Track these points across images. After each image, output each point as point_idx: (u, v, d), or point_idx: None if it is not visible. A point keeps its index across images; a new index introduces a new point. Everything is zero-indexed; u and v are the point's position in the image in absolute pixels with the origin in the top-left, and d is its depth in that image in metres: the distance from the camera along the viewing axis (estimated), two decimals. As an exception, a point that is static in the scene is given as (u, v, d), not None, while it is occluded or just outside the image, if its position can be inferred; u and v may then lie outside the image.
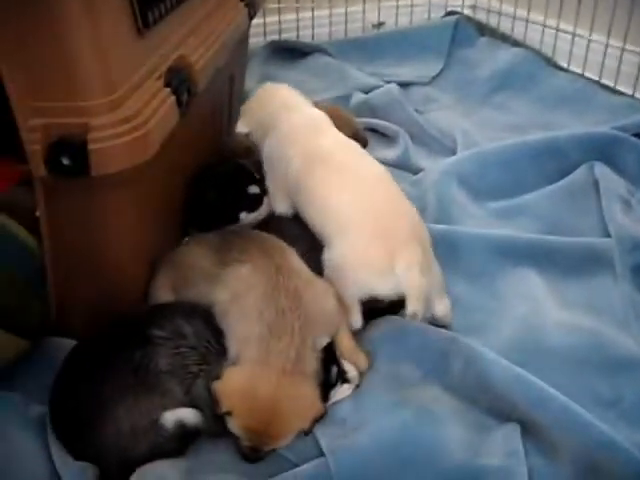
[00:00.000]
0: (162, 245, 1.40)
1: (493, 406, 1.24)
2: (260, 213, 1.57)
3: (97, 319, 1.25)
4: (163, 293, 1.35)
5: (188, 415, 1.16)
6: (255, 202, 1.56)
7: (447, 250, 1.58)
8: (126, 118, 1.10)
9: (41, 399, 1.21)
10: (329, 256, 1.37)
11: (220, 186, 1.57)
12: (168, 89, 1.22)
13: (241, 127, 1.66)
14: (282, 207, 1.57)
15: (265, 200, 1.57)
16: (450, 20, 2.73)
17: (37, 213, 1.15)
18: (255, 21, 2.54)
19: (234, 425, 1.13)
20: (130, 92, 1.14)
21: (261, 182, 1.58)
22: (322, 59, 2.66)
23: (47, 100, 1.06)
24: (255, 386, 1.10)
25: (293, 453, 1.19)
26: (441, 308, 1.41)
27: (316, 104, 1.70)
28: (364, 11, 2.90)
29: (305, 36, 2.82)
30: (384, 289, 1.32)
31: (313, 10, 2.83)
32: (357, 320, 1.38)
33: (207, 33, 1.49)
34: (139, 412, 1.13)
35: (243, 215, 1.55)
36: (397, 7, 2.89)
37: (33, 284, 1.18)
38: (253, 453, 1.15)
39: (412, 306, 1.28)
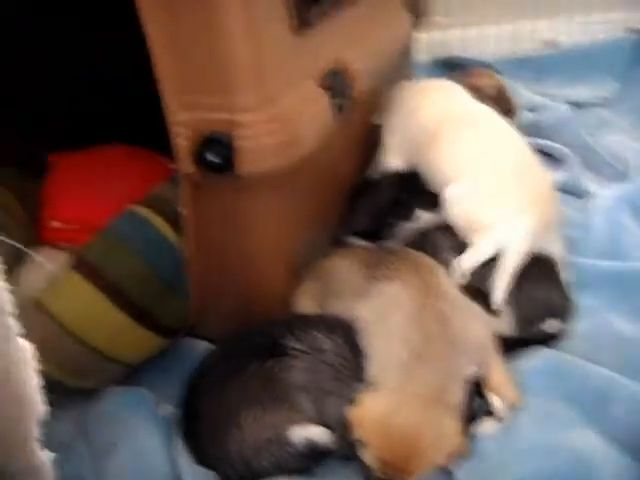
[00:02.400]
0: (310, 255, 1.35)
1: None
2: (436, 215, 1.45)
3: (235, 323, 1.23)
4: (307, 304, 1.29)
5: (318, 433, 1.10)
6: (433, 199, 1.44)
7: (614, 286, 1.44)
8: (276, 116, 1.06)
9: (172, 398, 1.20)
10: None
11: (396, 180, 1.50)
12: (324, 91, 1.17)
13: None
14: (395, 163, 1.53)
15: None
16: (629, 38, 2.52)
17: (181, 210, 1.13)
18: (420, 36, 2.52)
19: (367, 456, 1.04)
20: (283, 91, 1.10)
21: None
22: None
23: (197, 94, 1.05)
24: (394, 417, 1.02)
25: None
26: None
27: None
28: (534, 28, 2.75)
29: (471, 54, 2.70)
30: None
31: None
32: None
33: (370, 39, 1.44)
34: (266, 424, 1.08)
35: (419, 213, 1.45)
36: (570, 24, 2.71)
37: (174, 282, 1.17)
38: (385, 484, 1.06)
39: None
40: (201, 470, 1.11)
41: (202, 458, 1.12)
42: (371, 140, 1.59)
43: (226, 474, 1.10)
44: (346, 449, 1.09)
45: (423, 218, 1.44)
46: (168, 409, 1.21)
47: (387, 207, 1.47)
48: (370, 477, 1.07)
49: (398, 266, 1.20)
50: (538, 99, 2.32)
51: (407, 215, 1.45)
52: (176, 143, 1.06)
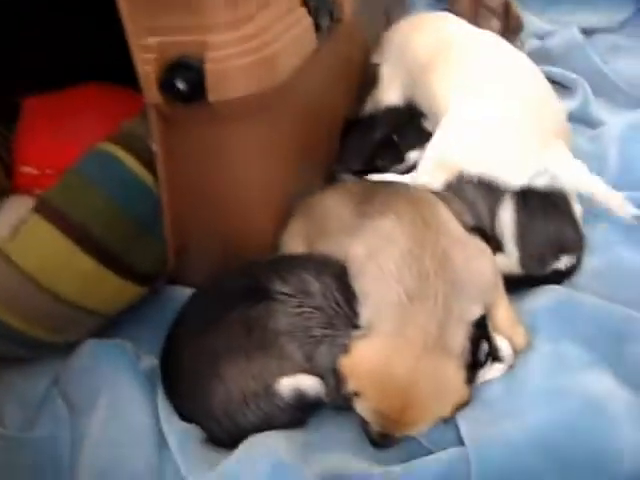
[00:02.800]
0: (297, 192, 1.25)
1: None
2: None
3: (219, 268, 1.14)
4: (295, 244, 1.19)
5: (308, 383, 1.02)
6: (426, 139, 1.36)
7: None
8: (250, 36, 0.95)
9: (153, 350, 1.13)
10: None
11: (392, 118, 1.43)
12: (304, 9, 1.06)
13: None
14: (394, 97, 1.46)
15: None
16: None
17: (153, 147, 1.02)
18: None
19: (363, 408, 0.96)
20: (259, 8, 0.98)
21: None
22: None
23: (162, 17, 0.93)
24: (389, 365, 0.92)
25: (427, 438, 1.02)
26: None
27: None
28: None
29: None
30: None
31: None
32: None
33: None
34: (251, 375, 1.00)
35: (413, 154, 1.38)
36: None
37: (148, 224, 1.07)
38: (383, 439, 0.98)
39: None
40: (184, 425, 1.04)
41: (185, 412, 1.05)
42: (363, 77, 1.47)
43: (211, 429, 1.03)
44: (340, 400, 1.01)
45: (415, 159, 1.36)
46: (150, 361, 1.13)
47: (378, 149, 1.38)
48: (367, 431, 0.99)
49: (393, 200, 1.10)
50: (547, 26, 2.18)
51: (398, 158, 1.37)
52: (141, 71, 0.95)
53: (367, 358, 0.93)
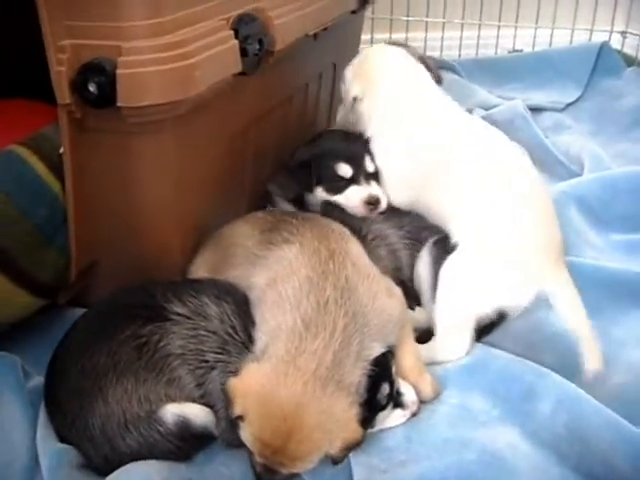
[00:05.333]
0: (214, 220, 1.22)
1: (584, 464, 0.98)
2: (342, 200, 1.34)
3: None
4: (203, 272, 1.16)
5: (195, 412, 0.97)
6: (338, 184, 1.34)
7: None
8: (167, 45, 0.94)
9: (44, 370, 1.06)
10: (461, 258, 1.20)
11: (312, 147, 1.39)
12: (231, 32, 1.05)
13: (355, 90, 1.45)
14: (401, 198, 1.36)
15: (354, 191, 1.34)
16: (594, 46, 2.44)
17: (61, 150, 0.99)
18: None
19: (246, 434, 0.90)
20: (182, 23, 0.99)
21: (358, 168, 1.35)
22: (449, 76, 2.43)
23: (81, 19, 0.94)
24: (275, 389, 0.88)
25: (317, 481, 0.96)
26: None
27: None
28: (498, 36, 2.66)
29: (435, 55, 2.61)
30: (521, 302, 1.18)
31: (443, 29, 2.63)
32: (464, 344, 1.18)
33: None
34: (137, 397, 0.94)
35: (319, 191, 1.35)
36: (535, 35, 2.62)
37: (48, 232, 1.03)
38: (267, 474, 0.92)
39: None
40: (60, 447, 0.97)
41: (64, 433, 0.98)
42: (301, 110, 1.47)
43: (88, 452, 0.96)
44: (231, 434, 0.95)
45: (321, 198, 1.35)
46: (39, 380, 1.08)
47: (293, 171, 1.36)
48: (253, 464, 0.93)
49: (300, 230, 1.08)
50: (496, 100, 2.23)
51: (306, 186, 1.36)
52: (54, 71, 0.94)
53: (254, 381, 0.89)
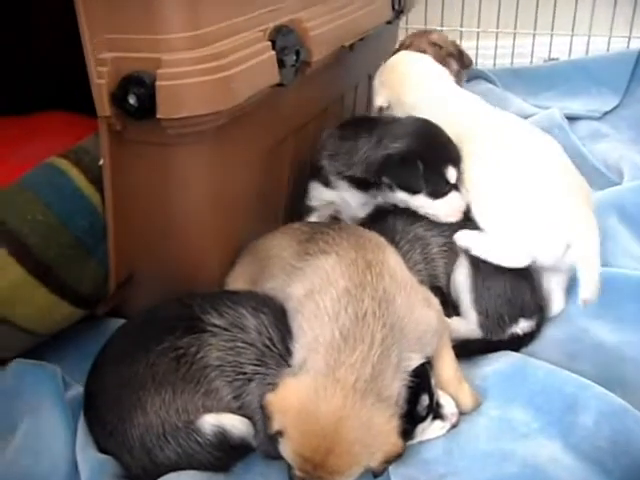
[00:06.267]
0: (250, 233, 1.22)
1: (628, 478, 0.95)
2: (439, 206, 1.25)
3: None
4: (240, 285, 1.16)
5: (233, 423, 0.96)
6: (443, 189, 1.25)
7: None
8: (206, 57, 0.95)
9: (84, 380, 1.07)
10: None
11: (413, 140, 1.26)
12: (269, 43, 1.06)
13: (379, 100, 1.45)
14: None
15: (456, 198, 1.26)
16: (632, 53, 2.40)
17: (100, 162, 1.00)
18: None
19: (286, 449, 0.89)
20: (220, 35, 1.00)
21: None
22: (484, 85, 2.42)
23: (121, 32, 0.95)
24: (315, 404, 0.87)
25: (358, 494, 0.95)
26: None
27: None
28: (533, 45, 2.64)
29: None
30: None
31: (478, 38, 2.62)
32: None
33: (336, 6, 1.33)
34: (175, 408, 0.94)
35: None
36: (571, 43, 2.60)
37: (90, 243, 1.04)
38: (307, 487, 0.91)
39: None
40: (100, 457, 0.98)
41: (103, 443, 0.98)
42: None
43: (127, 463, 0.96)
44: (269, 446, 0.95)
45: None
46: (78, 390, 1.08)
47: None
48: (291, 478, 0.93)
49: (337, 240, 1.07)
50: (532, 109, 2.20)
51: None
52: (95, 84, 0.95)
53: (293, 395, 0.88)
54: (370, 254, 1.03)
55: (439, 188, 1.24)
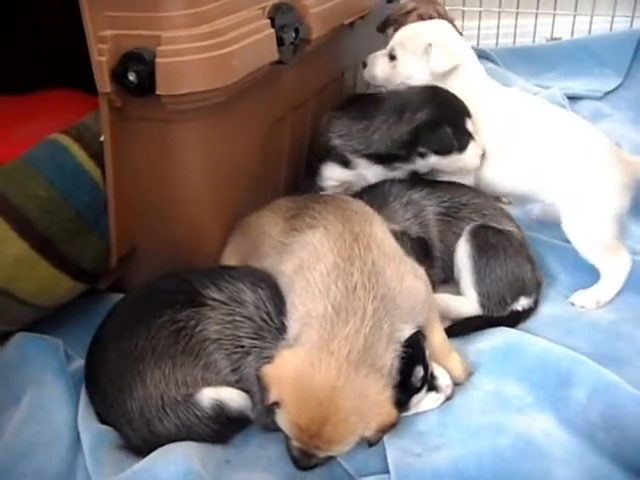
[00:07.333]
0: (252, 208, 1.23)
1: (620, 453, 0.96)
2: (465, 155, 1.35)
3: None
4: (232, 263, 1.17)
5: (231, 396, 0.98)
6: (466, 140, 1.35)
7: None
8: (205, 35, 0.96)
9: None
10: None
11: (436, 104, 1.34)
12: (268, 21, 1.07)
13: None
14: None
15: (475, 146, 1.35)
16: (634, 33, 2.40)
17: (101, 138, 1.01)
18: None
19: (283, 419, 0.91)
20: (219, 13, 1.00)
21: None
22: (486, 65, 2.41)
23: (121, 10, 0.95)
24: (310, 375, 0.89)
25: (353, 465, 0.98)
26: None
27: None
28: (536, 24, 2.63)
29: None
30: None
31: (480, 18, 2.61)
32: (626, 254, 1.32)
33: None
34: (174, 381, 0.96)
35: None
36: (573, 23, 2.59)
37: (90, 219, 1.05)
38: (304, 457, 0.93)
39: None
40: (100, 428, 1.00)
41: (104, 414, 1.01)
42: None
43: (126, 433, 0.98)
44: (267, 418, 0.97)
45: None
46: (80, 363, 1.10)
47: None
48: (289, 448, 0.95)
49: (323, 215, 1.08)
50: (534, 88, 2.21)
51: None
52: (95, 61, 0.96)
53: (289, 367, 0.90)
54: (357, 227, 1.04)
55: (464, 142, 1.34)
